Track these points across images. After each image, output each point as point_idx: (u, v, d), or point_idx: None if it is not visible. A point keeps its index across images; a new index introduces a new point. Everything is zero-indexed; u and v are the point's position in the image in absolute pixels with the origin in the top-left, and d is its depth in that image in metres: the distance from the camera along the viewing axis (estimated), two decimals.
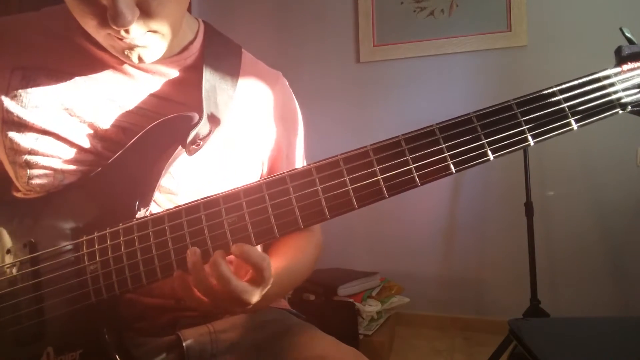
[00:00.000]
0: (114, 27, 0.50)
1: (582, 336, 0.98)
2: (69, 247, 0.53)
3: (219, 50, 0.68)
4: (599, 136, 1.87)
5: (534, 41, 1.97)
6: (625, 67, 0.51)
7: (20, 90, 0.59)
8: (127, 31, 0.52)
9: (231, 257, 0.49)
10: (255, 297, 0.49)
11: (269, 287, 0.51)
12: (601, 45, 1.79)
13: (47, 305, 0.53)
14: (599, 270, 1.92)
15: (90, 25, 0.53)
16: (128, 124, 0.61)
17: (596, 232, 1.92)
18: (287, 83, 0.78)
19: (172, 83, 0.65)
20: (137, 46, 0.55)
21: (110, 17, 0.49)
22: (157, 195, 0.60)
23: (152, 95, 0.63)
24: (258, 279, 0.49)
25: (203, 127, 0.58)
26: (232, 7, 2.42)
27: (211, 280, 0.48)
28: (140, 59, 0.57)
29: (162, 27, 0.55)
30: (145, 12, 0.52)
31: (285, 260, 0.65)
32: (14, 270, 0.54)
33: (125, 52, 0.56)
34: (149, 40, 0.55)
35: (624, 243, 1.89)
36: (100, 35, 0.54)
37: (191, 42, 0.67)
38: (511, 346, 1.52)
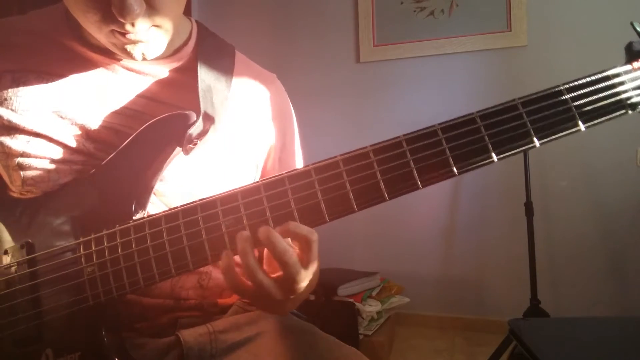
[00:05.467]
0: (122, 19, 0.49)
1: (582, 336, 0.98)
2: (66, 249, 0.53)
3: (212, 51, 0.67)
4: (599, 136, 1.87)
5: (534, 41, 1.97)
6: (635, 64, 0.48)
7: (10, 94, 0.58)
8: (132, 25, 0.51)
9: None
10: (305, 280, 0.48)
11: (312, 274, 0.49)
12: (601, 45, 1.80)
13: (45, 308, 0.52)
14: (599, 270, 1.92)
15: (92, 21, 0.52)
16: (120, 125, 0.60)
17: (596, 232, 1.92)
18: (281, 85, 0.78)
19: (165, 84, 0.64)
20: (141, 41, 0.54)
21: (117, 10, 0.49)
22: (152, 198, 0.60)
23: (144, 97, 0.62)
24: (305, 258, 0.48)
25: (200, 126, 0.58)
26: (232, 8, 2.42)
27: (260, 268, 0.47)
28: (143, 56, 0.57)
29: (166, 21, 0.55)
30: (151, 5, 0.52)
31: None
32: (12, 272, 0.53)
33: (128, 49, 0.55)
34: (152, 35, 0.55)
35: (624, 243, 1.88)
36: (102, 31, 0.53)
37: (185, 44, 0.67)
38: (511, 346, 1.52)
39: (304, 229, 0.47)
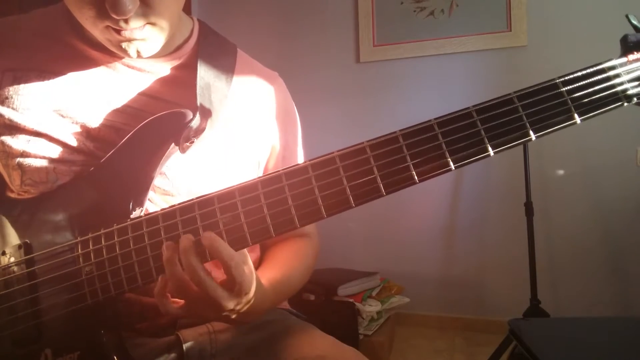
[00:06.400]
0: (114, 15, 0.49)
1: (582, 336, 0.98)
2: (64, 248, 0.53)
3: (214, 49, 0.67)
4: (599, 136, 1.87)
5: (534, 41, 1.97)
6: (631, 57, 0.48)
7: (11, 93, 0.58)
8: (126, 21, 0.51)
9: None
10: (228, 302, 0.48)
11: (249, 295, 0.49)
12: (602, 45, 1.79)
13: (43, 307, 0.52)
14: (599, 270, 1.91)
15: (87, 17, 0.52)
16: (120, 123, 0.60)
17: (596, 232, 1.92)
18: (284, 83, 0.77)
19: (166, 82, 0.64)
20: (135, 39, 0.54)
21: (110, 6, 0.49)
22: (153, 195, 0.60)
23: (145, 95, 0.62)
24: (229, 281, 0.48)
25: (196, 124, 0.58)
26: (232, 8, 2.42)
27: (185, 277, 0.47)
28: (138, 53, 0.57)
29: (161, 19, 0.55)
30: (145, 2, 0.51)
31: (281, 269, 0.65)
32: (10, 272, 0.53)
33: (123, 46, 0.55)
34: (147, 33, 0.55)
35: (624, 243, 1.88)
36: (97, 27, 0.53)
37: (186, 41, 0.67)
38: (511, 346, 1.52)
39: (224, 254, 0.47)
